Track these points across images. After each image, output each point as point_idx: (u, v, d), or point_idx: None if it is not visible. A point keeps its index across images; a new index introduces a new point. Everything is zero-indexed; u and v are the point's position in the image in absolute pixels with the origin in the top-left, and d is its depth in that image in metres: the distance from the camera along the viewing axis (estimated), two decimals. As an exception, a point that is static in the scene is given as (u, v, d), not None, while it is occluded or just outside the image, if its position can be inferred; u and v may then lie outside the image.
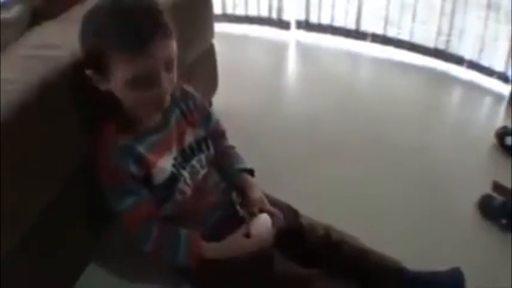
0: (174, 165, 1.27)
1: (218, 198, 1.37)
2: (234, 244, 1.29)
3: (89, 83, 1.17)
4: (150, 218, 1.24)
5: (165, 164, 1.25)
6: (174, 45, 1.15)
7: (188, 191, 1.30)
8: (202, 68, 2.24)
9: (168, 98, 1.18)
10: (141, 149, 1.22)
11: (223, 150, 1.47)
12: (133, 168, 1.20)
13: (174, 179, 1.26)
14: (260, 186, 1.43)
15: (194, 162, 1.33)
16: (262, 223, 1.31)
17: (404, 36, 3.22)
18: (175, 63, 1.17)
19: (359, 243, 1.48)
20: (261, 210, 1.34)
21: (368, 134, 2.44)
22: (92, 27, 1.11)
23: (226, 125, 1.54)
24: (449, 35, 3.04)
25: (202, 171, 1.35)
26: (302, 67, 3.31)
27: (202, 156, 1.36)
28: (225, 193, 1.40)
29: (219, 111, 1.62)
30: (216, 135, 1.46)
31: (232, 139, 1.53)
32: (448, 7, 2.99)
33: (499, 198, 1.94)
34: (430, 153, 2.31)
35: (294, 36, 3.52)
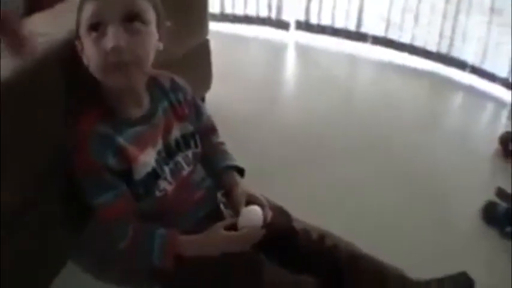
0: (156, 160, 1.19)
1: (202, 196, 1.28)
2: (216, 237, 1.18)
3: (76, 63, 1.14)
4: (127, 215, 1.16)
5: (147, 158, 1.17)
6: (143, 5, 1.11)
7: (169, 188, 1.20)
8: (196, 62, 2.19)
9: (129, 62, 1.08)
10: (122, 140, 1.13)
11: (212, 146, 1.38)
12: (112, 162, 1.12)
13: (154, 175, 1.18)
14: (251, 188, 1.32)
15: (179, 158, 1.25)
16: (251, 215, 1.19)
17: (406, 39, 3.15)
18: (148, 31, 1.12)
19: (356, 249, 1.35)
20: (250, 203, 1.23)
21: (367, 138, 2.39)
22: None
23: (220, 124, 1.45)
24: (452, 38, 2.98)
25: (188, 169, 1.26)
26: (300, 68, 3.27)
27: (189, 153, 1.27)
28: (210, 191, 1.31)
29: (212, 109, 1.54)
30: (206, 132, 1.38)
31: (224, 139, 1.44)
32: (451, 10, 2.93)
33: (503, 205, 1.89)
34: (431, 159, 2.26)
35: (293, 37, 3.45)
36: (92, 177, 1.13)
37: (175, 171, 1.23)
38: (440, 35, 3.02)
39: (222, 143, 1.42)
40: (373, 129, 2.47)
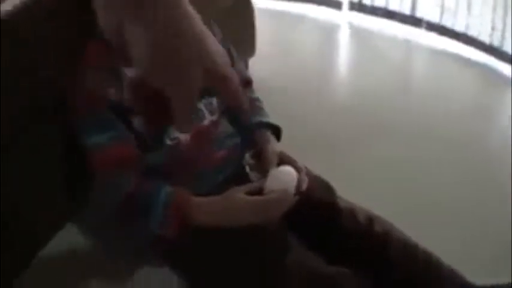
0: None
1: (225, 155, 1.09)
2: (234, 202, 0.94)
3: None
4: (127, 164, 0.96)
5: None
6: None
7: (183, 137, 1.00)
8: (238, 22, 2.10)
9: None
10: (129, 75, 0.99)
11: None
12: (115, 95, 0.94)
13: None
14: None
15: (201, 105, 1.06)
16: (282, 176, 0.96)
17: (460, 28, 3.04)
18: None
19: (410, 240, 1.11)
20: (282, 164, 1.02)
21: (416, 123, 2.34)
22: None
23: (265, 102, 1.29)
24: (503, 31, 2.86)
25: (210, 118, 1.07)
26: (353, 49, 3.22)
27: (214, 101, 1.08)
28: (237, 151, 1.11)
29: (258, 86, 1.34)
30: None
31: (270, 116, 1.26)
32: (501, 2, 2.80)
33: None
34: (479, 149, 2.19)
35: (345, 17, 3.40)
36: (90, 113, 0.96)
37: (195, 118, 1.03)
38: (493, 27, 2.89)
39: (257, 99, 1.24)
40: (423, 114, 2.42)
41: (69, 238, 1.13)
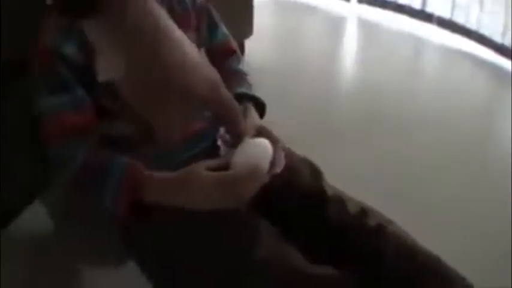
0: None
1: (200, 127, 0.96)
2: (194, 178, 0.77)
3: None
4: (81, 132, 0.85)
5: None
6: None
7: None
8: (235, 2, 2.05)
9: None
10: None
11: (226, 70, 1.06)
12: (72, 53, 0.85)
13: None
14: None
15: None
16: (254, 150, 0.76)
17: (472, 25, 2.93)
18: None
19: (407, 237, 0.92)
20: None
21: (420, 119, 2.26)
22: None
23: (268, 91, 1.17)
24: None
25: None
26: (360, 42, 3.13)
27: None
28: (213, 125, 0.97)
29: (262, 76, 1.27)
30: (220, 53, 1.09)
31: (273, 106, 1.13)
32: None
33: None
34: (487, 149, 2.12)
35: (354, 9, 3.31)
36: (43, 71, 0.87)
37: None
38: (505, 26, 2.78)
39: (242, 72, 1.11)
40: (427, 110, 2.34)
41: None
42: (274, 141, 0.82)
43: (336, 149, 1.97)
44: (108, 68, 0.65)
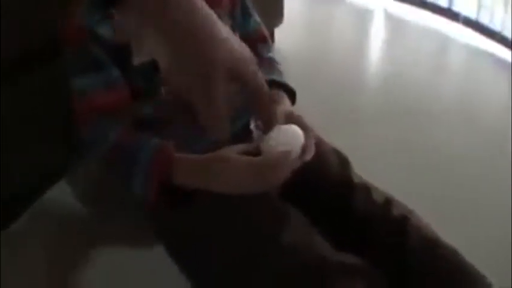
0: None
1: (231, 112, 0.91)
2: (224, 162, 0.78)
3: None
4: (114, 112, 0.86)
5: None
6: None
7: None
8: None
9: None
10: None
11: (259, 57, 1.02)
12: (107, 33, 0.84)
13: None
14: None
15: None
16: (284, 135, 0.78)
17: (496, 26, 2.94)
18: None
19: (431, 229, 0.92)
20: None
21: (446, 115, 2.29)
22: None
23: (293, 80, 1.19)
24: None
25: None
26: (387, 35, 3.13)
27: None
28: (244, 110, 0.96)
29: (286, 66, 1.22)
30: (253, 40, 1.07)
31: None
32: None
33: None
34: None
35: (380, 3, 3.33)
36: (77, 51, 0.85)
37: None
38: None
39: (274, 60, 1.12)
40: (450, 107, 2.38)
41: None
42: (305, 128, 0.83)
43: (357, 138, 2.02)
44: (145, 51, 0.71)
